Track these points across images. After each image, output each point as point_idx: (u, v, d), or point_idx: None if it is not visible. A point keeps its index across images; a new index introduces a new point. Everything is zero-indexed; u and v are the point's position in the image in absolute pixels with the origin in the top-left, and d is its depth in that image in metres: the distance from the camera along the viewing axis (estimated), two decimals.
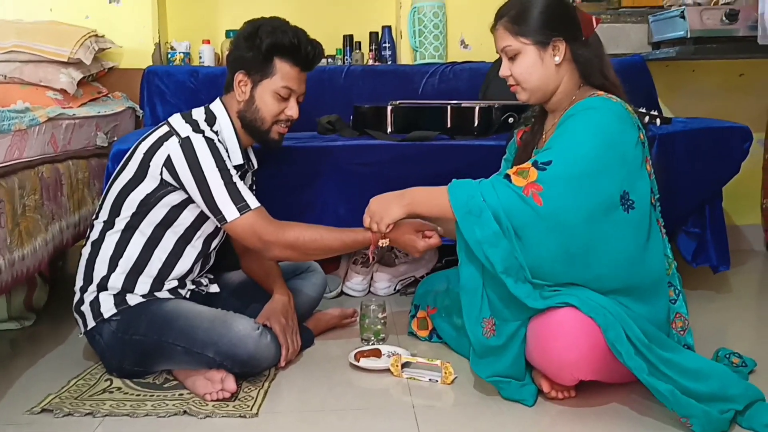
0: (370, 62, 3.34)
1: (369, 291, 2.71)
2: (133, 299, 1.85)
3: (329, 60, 3.28)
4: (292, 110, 1.98)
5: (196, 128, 1.86)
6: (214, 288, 2.07)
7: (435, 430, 1.61)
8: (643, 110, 2.44)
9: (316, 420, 1.67)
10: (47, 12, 3.12)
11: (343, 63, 3.31)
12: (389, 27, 3.35)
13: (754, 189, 3.41)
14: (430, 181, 1.80)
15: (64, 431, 1.61)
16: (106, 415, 1.66)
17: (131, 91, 3.07)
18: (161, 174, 1.83)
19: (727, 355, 1.89)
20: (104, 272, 1.86)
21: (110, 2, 3.17)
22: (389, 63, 3.32)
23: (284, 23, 1.96)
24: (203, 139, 1.83)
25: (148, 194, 1.85)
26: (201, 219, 1.90)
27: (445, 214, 1.69)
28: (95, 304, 1.85)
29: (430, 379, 1.85)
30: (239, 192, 1.83)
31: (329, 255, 2.01)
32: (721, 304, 2.59)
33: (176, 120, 1.90)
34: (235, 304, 2.02)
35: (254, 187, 2.16)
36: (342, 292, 2.69)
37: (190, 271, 1.95)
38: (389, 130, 2.61)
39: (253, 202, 1.84)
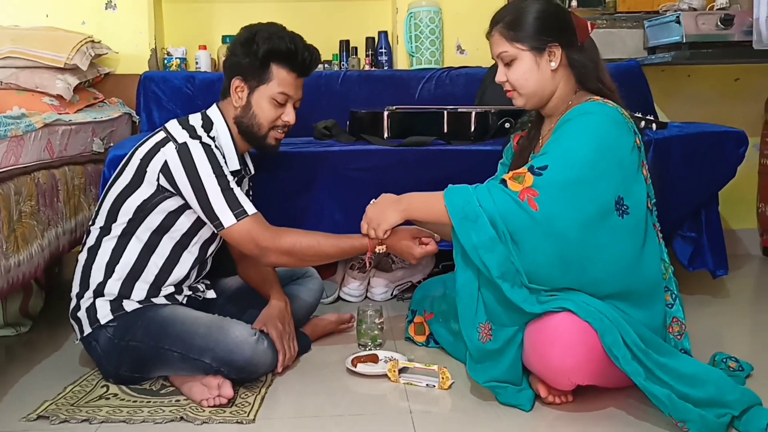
0: (367, 67, 3.34)
1: (366, 296, 2.71)
2: (129, 305, 1.85)
3: (326, 65, 3.28)
4: (289, 116, 1.98)
5: (193, 134, 1.87)
6: (211, 294, 2.06)
7: None
8: (639, 115, 2.44)
9: (313, 426, 1.66)
10: (43, 18, 3.12)
11: (340, 68, 3.32)
12: (386, 32, 3.36)
13: (750, 193, 3.42)
14: (426, 187, 1.80)
15: None
16: (102, 422, 1.66)
17: (127, 97, 3.07)
18: (158, 180, 1.83)
19: (724, 360, 1.89)
20: (101, 278, 1.86)
21: (106, 8, 3.17)
22: (386, 68, 3.32)
23: (281, 29, 1.97)
24: (200, 145, 1.83)
25: (144, 200, 1.85)
26: (198, 225, 1.90)
27: (442, 220, 1.70)
28: (92, 310, 1.84)
29: (427, 385, 1.85)
30: (236, 198, 1.82)
31: (326, 261, 2.01)
32: (717, 308, 2.59)
33: (173, 126, 1.90)
34: (231, 310, 2.02)
35: (251, 193, 2.16)
36: (339, 298, 2.69)
37: (187, 276, 1.95)
38: (386, 135, 2.61)
39: (250, 208, 1.84)
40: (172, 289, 1.92)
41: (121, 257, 1.86)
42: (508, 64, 1.80)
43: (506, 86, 1.83)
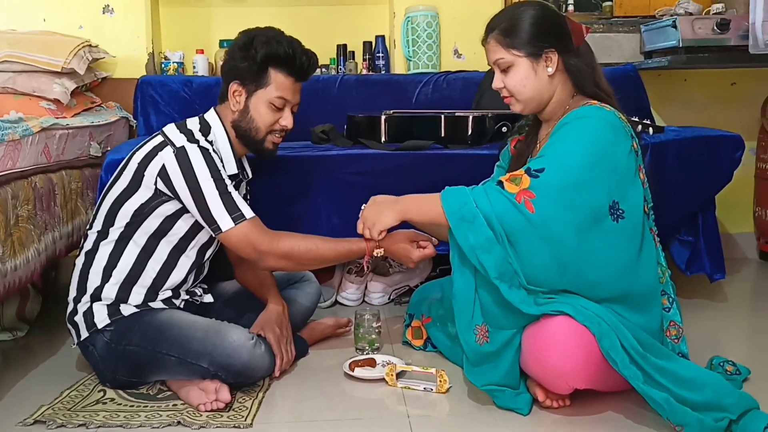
0: (364, 72, 3.35)
1: (363, 300, 2.71)
2: (126, 309, 1.85)
3: (323, 70, 3.28)
4: (287, 120, 1.98)
5: (191, 138, 1.87)
6: (208, 298, 2.06)
7: None
8: (636, 119, 2.45)
9: (310, 430, 1.66)
10: (40, 22, 3.13)
11: (337, 73, 3.32)
12: (383, 37, 3.36)
13: (747, 197, 3.43)
14: (424, 190, 1.80)
15: None
16: (99, 426, 1.65)
17: (125, 101, 3.07)
18: (156, 184, 1.83)
19: (721, 363, 1.89)
20: (98, 282, 1.86)
21: (104, 12, 3.17)
22: (383, 72, 3.32)
23: (279, 33, 1.97)
24: (198, 148, 1.83)
25: (142, 204, 1.84)
26: (195, 229, 1.90)
27: (438, 221, 1.70)
28: (89, 315, 1.84)
29: (424, 389, 1.85)
30: (234, 202, 1.82)
31: (324, 265, 2.01)
32: (715, 312, 2.59)
33: (171, 130, 1.90)
34: (229, 314, 2.01)
35: (248, 197, 2.16)
36: (336, 302, 2.69)
37: (184, 281, 1.95)
38: (383, 139, 2.62)
39: (247, 211, 1.84)
40: (169, 293, 1.92)
41: (118, 261, 1.86)
42: (505, 71, 1.80)
43: (503, 92, 1.83)
